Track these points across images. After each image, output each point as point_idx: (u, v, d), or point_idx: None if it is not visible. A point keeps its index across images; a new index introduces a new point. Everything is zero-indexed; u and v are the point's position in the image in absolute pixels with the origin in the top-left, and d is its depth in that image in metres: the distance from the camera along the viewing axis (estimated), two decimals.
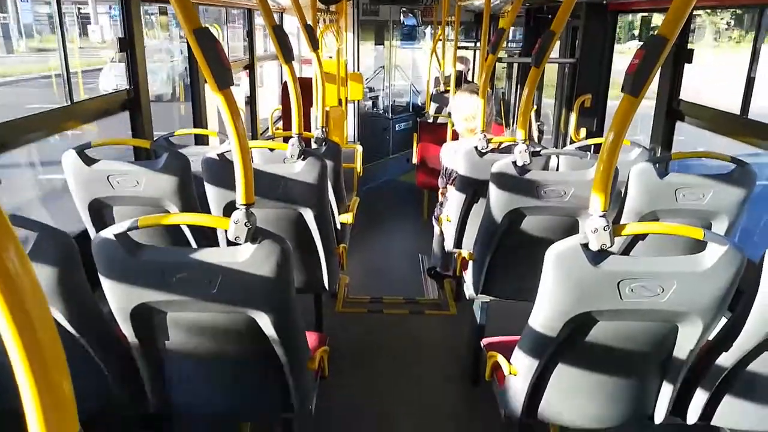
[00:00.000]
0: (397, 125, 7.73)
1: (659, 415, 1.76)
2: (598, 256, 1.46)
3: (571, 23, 4.30)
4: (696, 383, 1.72)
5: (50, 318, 0.57)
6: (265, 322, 1.54)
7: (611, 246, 1.46)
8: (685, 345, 1.58)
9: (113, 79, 12.12)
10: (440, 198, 3.75)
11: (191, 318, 1.57)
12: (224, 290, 1.48)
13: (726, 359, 1.63)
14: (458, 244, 3.11)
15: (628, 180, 2.47)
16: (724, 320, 1.62)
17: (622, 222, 2.49)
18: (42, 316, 0.56)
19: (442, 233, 3.60)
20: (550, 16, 4.73)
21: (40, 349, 0.55)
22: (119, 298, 1.51)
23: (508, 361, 1.81)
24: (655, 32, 1.33)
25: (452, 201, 3.15)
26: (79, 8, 18.59)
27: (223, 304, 1.51)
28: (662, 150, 3.25)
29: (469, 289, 2.74)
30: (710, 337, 1.64)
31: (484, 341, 2.26)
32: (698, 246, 1.52)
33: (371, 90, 8.34)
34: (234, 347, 1.65)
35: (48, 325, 0.56)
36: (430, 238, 4.29)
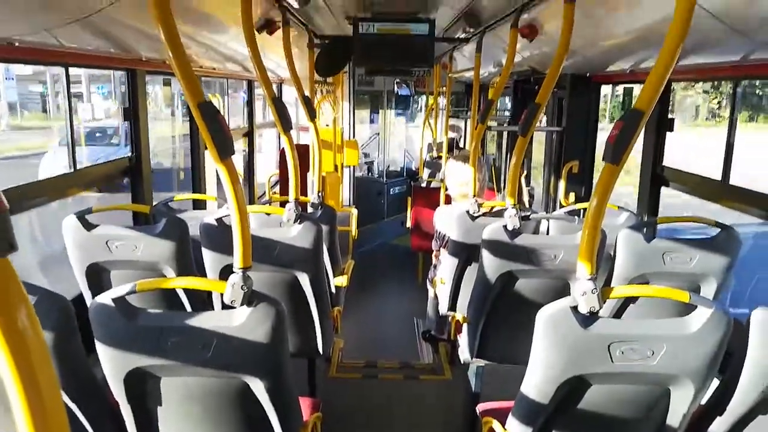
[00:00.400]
0: (391, 189, 7.88)
1: None
2: (587, 319, 1.49)
3: (557, 94, 4.50)
4: None
5: (57, 385, 0.60)
6: (258, 387, 1.54)
7: (600, 309, 1.49)
8: (677, 410, 1.58)
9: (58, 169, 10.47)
10: (434, 261, 3.79)
11: (185, 383, 1.57)
12: (219, 355, 1.49)
13: (719, 425, 1.63)
14: (452, 307, 3.12)
15: (616, 244, 2.52)
16: (716, 383, 1.63)
17: (613, 285, 2.53)
18: (50, 382, 0.58)
19: (436, 296, 3.62)
20: (536, 87, 4.94)
21: (47, 417, 0.57)
22: (114, 363, 1.51)
23: (504, 426, 1.79)
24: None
25: (446, 264, 3.19)
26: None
27: (217, 369, 1.51)
28: (648, 215, 3.34)
29: (464, 353, 2.73)
30: (703, 402, 1.64)
31: (480, 407, 2.24)
32: (688, 309, 1.55)
33: (366, 156, 8.55)
34: (227, 413, 1.64)
35: (55, 392, 0.58)
36: (425, 300, 4.29)
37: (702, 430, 1.66)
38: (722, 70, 2.70)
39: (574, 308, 1.49)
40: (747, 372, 1.54)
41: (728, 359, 1.56)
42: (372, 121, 9.35)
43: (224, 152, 1.44)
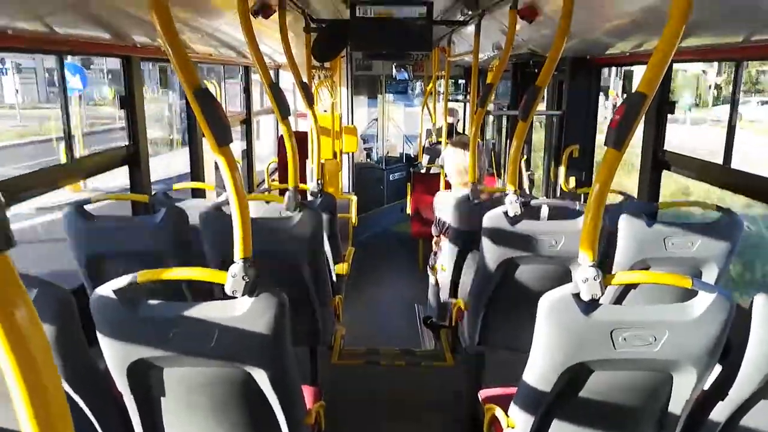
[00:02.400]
0: (391, 176, 7.85)
1: None
2: (589, 306, 1.48)
3: (557, 77, 4.46)
4: None
5: (59, 379, 0.59)
6: (261, 377, 1.54)
7: (602, 296, 1.49)
8: (680, 395, 1.59)
9: None
10: (434, 247, 3.78)
11: (188, 374, 1.57)
12: (221, 345, 1.48)
13: (722, 410, 1.63)
14: (453, 293, 3.12)
15: (617, 229, 2.51)
16: (718, 369, 1.63)
17: (613, 271, 2.52)
18: (51, 377, 0.57)
19: (437, 283, 3.62)
20: (536, 71, 4.90)
21: (50, 412, 0.57)
22: (116, 354, 1.51)
23: (506, 413, 1.80)
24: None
25: (446, 250, 3.18)
26: None
27: (219, 359, 1.51)
28: (650, 199, 3.32)
29: (465, 340, 2.73)
30: (705, 387, 1.64)
31: (482, 393, 2.24)
32: (689, 294, 1.55)
33: (365, 142, 8.51)
34: (230, 403, 1.64)
35: (57, 386, 0.58)
36: (426, 287, 4.30)
37: (704, 416, 1.67)
38: (724, 51, 2.67)
39: (576, 295, 1.49)
40: (749, 357, 1.54)
41: (730, 345, 1.56)
42: (370, 107, 9.29)
43: (222, 140, 1.42)
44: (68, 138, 2.74)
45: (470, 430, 2.95)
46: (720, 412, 1.63)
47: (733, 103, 3.00)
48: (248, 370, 1.53)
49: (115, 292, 1.47)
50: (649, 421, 1.68)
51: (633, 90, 1.43)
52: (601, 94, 4.76)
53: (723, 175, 2.80)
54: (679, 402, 1.59)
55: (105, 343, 1.49)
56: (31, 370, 0.55)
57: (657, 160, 3.27)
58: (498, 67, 3.03)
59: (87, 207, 2.40)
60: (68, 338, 1.45)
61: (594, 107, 4.28)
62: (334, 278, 3.12)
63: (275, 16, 2.81)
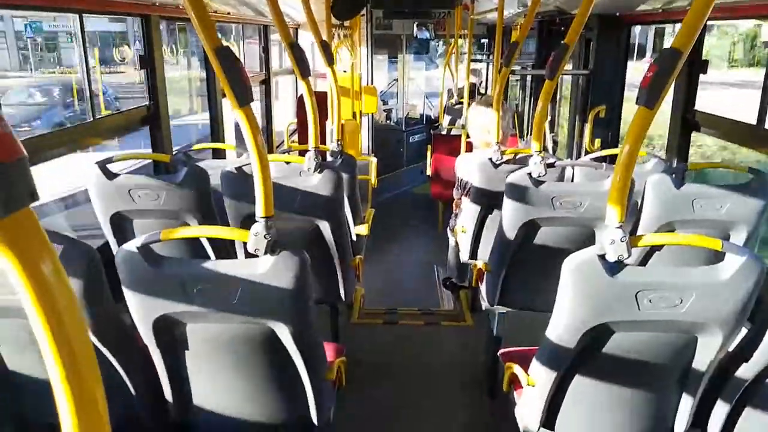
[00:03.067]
0: (411, 137, 7.77)
1: (679, 429, 1.74)
2: (615, 268, 1.47)
3: (584, 35, 4.31)
4: (716, 395, 1.70)
5: (85, 330, 0.60)
6: (283, 332, 1.56)
7: (628, 257, 1.46)
8: (704, 356, 1.58)
9: None
10: (455, 209, 3.76)
11: (212, 329, 1.60)
12: (244, 301, 1.50)
13: (746, 371, 1.62)
14: (473, 255, 3.12)
15: (644, 191, 2.46)
16: (744, 331, 1.60)
17: (638, 233, 2.49)
18: (78, 328, 0.58)
19: (457, 244, 3.61)
20: (563, 29, 4.75)
21: (76, 361, 0.58)
22: (141, 310, 1.54)
23: (526, 372, 1.81)
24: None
25: (467, 212, 3.16)
26: None
27: (243, 315, 1.53)
28: (678, 161, 3.24)
29: (485, 300, 2.74)
30: (730, 349, 1.62)
31: (501, 352, 2.26)
32: (715, 257, 1.52)
33: (385, 103, 8.40)
34: (253, 358, 1.68)
35: (84, 337, 0.59)
36: (446, 249, 4.30)
37: (728, 377, 1.66)
38: (763, 8, 2.54)
39: (602, 256, 1.47)
40: None
41: (758, 307, 1.53)
42: (390, 68, 9.13)
43: (243, 99, 1.41)
44: (90, 97, 2.75)
45: (489, 389, 2.99)
46: (744, 373, 1.62)
47: None
48: (271, 325, 1.56)
49: (139, 249, 1.49)
50: (672, 380, 1.68)
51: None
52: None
53: (756, 136, 2.70)
54: (703, 362, 1.59)
55: (130, 298, 1.52)
56: (58, 321, 0.56)
57: (686, 120, 3.17)
58: (524, 25, 2.94)
59: (109, 166, 2.42)
60: (95, 293, 1.49)
61: (623, 67, 4.15)
62: (355, 239, 3.13)
63: None
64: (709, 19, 1.41)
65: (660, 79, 1.34)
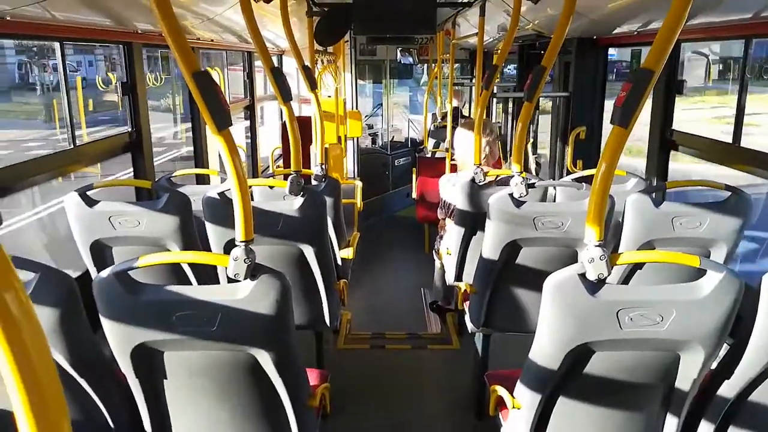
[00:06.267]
0: (396, 161, 7.82)
1: None
2: (595, 286, 1.47)
3: (563, 58, 4.40)
4: (701, 414, 1.70)
5: (51, 362, 0.58)
6: (265, 359, 1.54)
7: (608, 275, 1.47)
8: (687, 374, 1.57)
9: None
10: (440, 231, 3.77)
11: (192, 357, 1.57)
12: (224, 327, 1.48)
13: (729, 388, 1.62)
14: (459, 277, 3.11)
15: (624, 210, 2.49)
16: (726, 348, 1.61)
17: (620, 252, 2.50)
18: (43, 360, 0.56)
19: (443, 266, 3.61)
20: (542, 52, 4.84)
21: (41, 392, 0.56)
22: (120, 338, 1.51)
23: (512, 394, 1.79)
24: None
25: (451, 234, 3.17)
26: None
27: (223, 342, 1.51)
28: (657, 179, 3.29)
29: (470, 323, 2.73)
30: (713, 366, 1.63)
31: (487, 374, 2.24)
32: (697, 274, 1.53)
33: (370, 127, 8.46)
34: (235, 386, 1.65)
35: (49, 368, 0.57)
36: (432, 271, 4.29)
37: (711, 395, 1.65)
38: (733, 29, 2.62)
39: (582, 275, 1.47)
40: (756, 336, 1.52)
41: (738, 323, 1.54)
42: (375, 93, 9.23)
43: (222, 123, 1.41)
44: (71, 124, 2.74)
45: (476, 413, 2.96)
46: (727, 390, 1.62)
47: (742, 82, 2.94)
48: (252, 352, 1.53)
49: (116, 276, 1.47)
50: (657, 400, 1.67)
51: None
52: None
53: (733, 154, 2.76)
54: (686, 381, 1.58)
55: (108, 327, 1.49)
56: (22, 352, 0.54)
57: (665, 140, 3.23)
58: (503, 48, 2.99)
59: (89, 193, 2.40)
60: (72, 322, 1.46)
61: (601, 88, 4.24)
62: (340, 262, 3.11)
63: (277, 0, 2.78)
64: (683, 40, 1.45)
65: (633, 98, 1.36)
